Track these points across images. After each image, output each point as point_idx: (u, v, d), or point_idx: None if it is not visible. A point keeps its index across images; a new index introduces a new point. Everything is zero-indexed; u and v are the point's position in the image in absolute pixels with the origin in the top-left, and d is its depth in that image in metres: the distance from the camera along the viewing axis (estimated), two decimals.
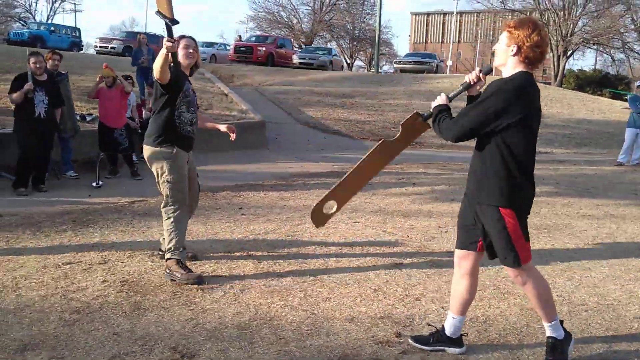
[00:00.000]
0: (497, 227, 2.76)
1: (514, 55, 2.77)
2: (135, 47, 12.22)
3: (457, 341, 3.07)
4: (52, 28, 29.97)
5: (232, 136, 4.56)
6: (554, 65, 29.66)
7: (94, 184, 7.56)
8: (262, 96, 16.70)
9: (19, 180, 7.03)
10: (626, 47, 34.34)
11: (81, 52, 31.12)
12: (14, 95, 7.00)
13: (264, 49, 26.81)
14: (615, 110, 19.63)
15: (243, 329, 3.28)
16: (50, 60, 7.68)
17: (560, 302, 3.78)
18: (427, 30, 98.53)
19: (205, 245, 4.94)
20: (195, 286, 3.92)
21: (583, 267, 4.58)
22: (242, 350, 3.02)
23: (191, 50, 4.21)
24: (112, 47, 27.13)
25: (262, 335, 3.21)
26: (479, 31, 76.10)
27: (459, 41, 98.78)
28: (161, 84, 3.99)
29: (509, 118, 2.68)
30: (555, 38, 28.35)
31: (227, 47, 31.69)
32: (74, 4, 57.08)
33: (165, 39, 3.75)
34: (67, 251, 4.63)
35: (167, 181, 4.13)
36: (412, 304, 3.73)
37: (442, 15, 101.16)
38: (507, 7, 31.76)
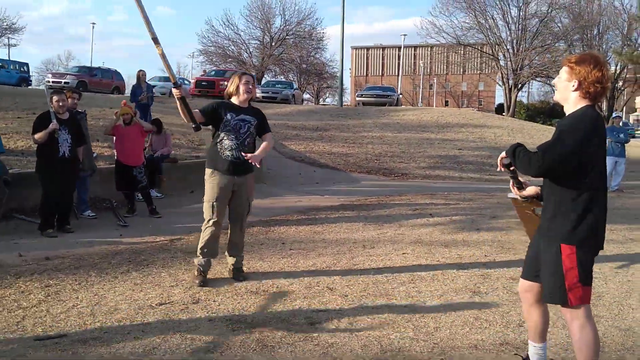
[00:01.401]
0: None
1: (575, 90, 2.83)
2: (135, 83, 12.10)
3: None
4: (0, 64, 29.11)
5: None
6: (506, 97, 31.22)
7: (121, 223, 7.45)
8: None
9: (45, 222, 6.87)
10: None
11: (29, 87, 30.29)
12: (38, 135, 6.88)
13: (226, 83, 26.88)
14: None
15: (386, 352, 3.39)
16: (70, 99, 7.58)
17: None
18: (367, 64, 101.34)
19: (280, 279, 4.99)
20: (304, 321, 3.99)
21: None
22: None
23: (250, 86, 4.89)
24: (65, 82, 26.53)
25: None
26: (429, 64, 78.69)
27: (398, 74, 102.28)
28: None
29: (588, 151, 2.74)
30: (506, 72, 29.85)
31: (187, 82, 31.62)
32: (10, 38, 55.08)
33: (173, 90, 4.50)
34: (149, 292, 4.60)
35: (204, 199, 4.91)
36: (518, 330, 3.93)
37: (381, 50, 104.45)
38: (460, 42, 33.28)
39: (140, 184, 7.99)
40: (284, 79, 41.16)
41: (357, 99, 28.01)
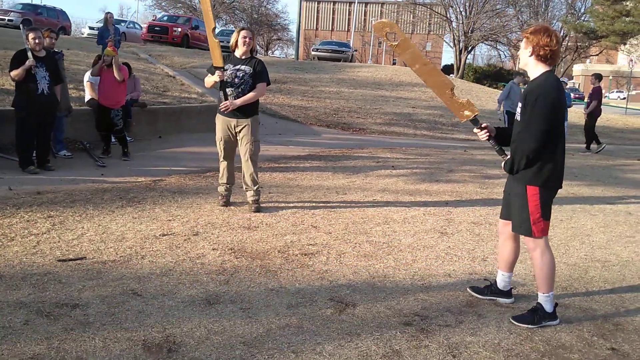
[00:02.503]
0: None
1: (530, 55, 3.42)
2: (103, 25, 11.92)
3: (507, 293, 3.78)
4: None
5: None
6: (456, 59, 32.09)
7: (99, 163, 7.66)
8: (197, 79, 16.76)
9: (25, 159, 7.00)
10: (511, 44, 37.79)
11: None
12: (15, 72, 6.92)
13: (179, 29, 26.45)
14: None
15: (374, 277, 3.95)
16: (47, 38, 7.60)
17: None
18: (317, 18, 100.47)
19: (266, 217, 5.45)
20: (297, 252, 4.49)
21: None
22: (387, 293, 3.69)
23: (248, 39, 5.51)
24: (9, 20, 25.41)
25: (386, 284, 3.90)
26: (372, 21, 78.65)
27: (348, 30, 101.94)
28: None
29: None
30: (457, 34, 30.62)
31: (137, 26, 30.81)
32: None
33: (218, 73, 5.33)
34: (149, 224, 4.98)
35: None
36: (483, 263, 4.56)
37: (332, 4, 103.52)
38: (415, 2, 33.74)
39: (116, 126, 8.16)
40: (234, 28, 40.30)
41: (313, 53, 28.19)
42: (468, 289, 3.90)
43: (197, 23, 29.26)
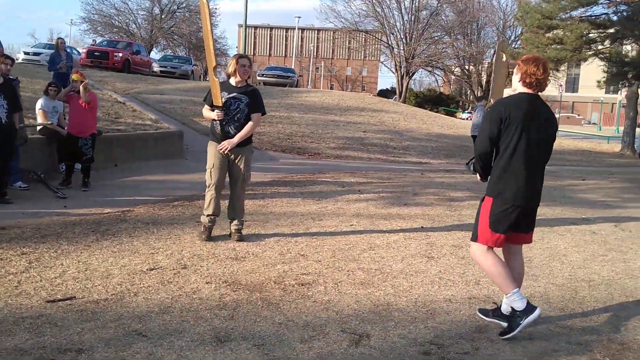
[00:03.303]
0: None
1: (518, 81, 3.66)
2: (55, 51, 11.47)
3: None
4: None
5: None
6: (398, 84, 32.86)
7: (59, 195, 7.29)
8: (147, 106, 16.39)
9: None
10: (448, 70, 39.13)
11: None
12: None
13: (120, 54, 25.86)
14: (459, 125, 22.49)
15: (378, 306, 3.89)
16: (2, 65, 7.23)
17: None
18: (254, 43, 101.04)
19: (251, 246, 5.31)
20: (294, 282, 4.38)
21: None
22: (396, 322, 3.64)
23: (247, 68, 5.44)
24: None
25: (391, 313, 3.85)
26: (316, 48, 79.88)
27: (286, 55, 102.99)
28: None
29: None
30: (399, 60, 31.40)
31: (75, 51, 29.87)
32: None
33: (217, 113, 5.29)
34: (132, 258, 4.74)
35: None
36: (477, 286, 4.59)
37: (269, 30, 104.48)
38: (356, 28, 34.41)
39: (85, 155, 7.82)
40: (183, 54, 39.98)
41: (259, 78, 28.19)
42: (477, 311, 3.90)
43: (139, 48, 28.76)
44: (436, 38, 34.73)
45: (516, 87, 3.71)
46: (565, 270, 5.20)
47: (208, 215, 5.51)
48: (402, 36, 33.15)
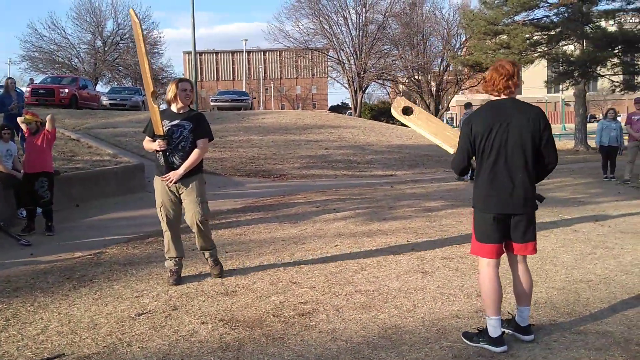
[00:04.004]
0: None
1: (485, 89, 3.70)
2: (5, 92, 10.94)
3: (524, 329, 3.63)
4: None
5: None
6: (352, 99, 33.01)
7: (23, 242, 6.87)
8: (101, 141, 15.89)
9: None
10: (398, 82, 39.64)
11: None
12: None
13: (67, 90, 25.11)
14: (417, 135, 22.59)
15: (386, 330, 3.71)
16: None
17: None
18: (201, 69, 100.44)
19: (239, 279, 5.07)
20: (293, 314, 4.16)
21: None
22: (409, 345, 3.47)
23: (188, 93, 4.96)
24: None
25: (402, 336, 3.68)
26: (263, 69, 79.95)
27: (233, 79, 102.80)
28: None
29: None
30: (351, 75, 31.58)
31: (17, 89, 28.83)
32: None
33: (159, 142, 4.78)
34: (116, 304, 4.44)
35: None
36: (480, 299, 4.44)
37: (214, 55, 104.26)
38: (309, 47, 34.52)
39: (42, 198, 7.41)
40: (131, 85, 39.26)
41: (212, 103, 27.81)
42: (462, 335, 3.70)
43: (85, 82, 28.04)
44: (385, 51, 35.20)
45: (490, 93, 3.68)
46: (560, 273, 5.15)
47: (171, 258, 5.05)
48: (353, 51, 33.44)
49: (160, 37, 52.88)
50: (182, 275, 5.13)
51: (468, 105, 13.26)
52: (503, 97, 3.59)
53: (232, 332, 3.85)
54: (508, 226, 3.54)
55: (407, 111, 4.26)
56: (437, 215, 8.19)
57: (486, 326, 3.54)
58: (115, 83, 52.11)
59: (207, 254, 5.17)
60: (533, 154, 3.51)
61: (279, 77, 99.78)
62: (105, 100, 26.05)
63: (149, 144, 4.94)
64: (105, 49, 50.51)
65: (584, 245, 6.16)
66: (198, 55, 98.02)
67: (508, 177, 3.47)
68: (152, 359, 3.44)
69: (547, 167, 3.61)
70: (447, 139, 4.12)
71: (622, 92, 23.17)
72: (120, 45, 50.99)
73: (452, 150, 4.00)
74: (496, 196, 3.48)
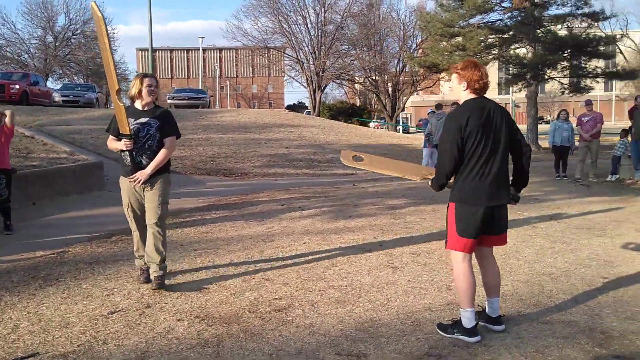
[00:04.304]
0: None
1: (465, 89, 3.70)
2: None
3: (495, 320, 3.79)
4: None
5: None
6: (311, 98, 33.08)
7: None
8: (56, 138, 15.46)
9: None
10: (356, 81, 39.98)
11: None
12: None
13: (17, 86, 24.29)
14: (375, 134, 22.93)
15: (363, 323, 3.78)
16: None
17: None
18: (155, 66, 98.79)
19: (210, 276, 5.05)
20: (269, 309, 4.19)
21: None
22: (386, 337, 3.56)
23: (153, 89, 4.75)
24: None
25: (378, 329, 3.76)
26: (219, 67, 79.25)
27: (188, 76, 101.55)
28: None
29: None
30: (309, 75, 31.65)
31: None
32: None
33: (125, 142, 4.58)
34: (86, 303, 4.37)
35: None
36: (450, 292, 4.59)
37: (169, 52, 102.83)
38: (267, 46, 34.39)
39: (0, 196, 7.18)
40: (83, 82, 38.25)
41: (169, 101, 27.38)
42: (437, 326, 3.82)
43: (36, 78, 27.19)
44: (344, 51, 35.46)
45: (461, 95, 3.74)
46: (523, 266, 5.33)
47: (141, 257, 4.92)
48: (311, 51, 33.54)
49: (114, 33, 51.58)
50: None
51: (439, 106, 13.53)
52: (478, 96, 3.69)
53: (209, 328, 3.85)
54: (490, 220, 3.64)
55: (357, 159, 4.41)
56: (401, 212, 8.33)
57: (460, 318, 3.65)
58: (67, 79, 50.76)
59: (152, 269, 4.71)
60: (507, 147, 3.66)
61: (234, 75, 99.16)
62: (57, 97, 25.32)
63: (114, 144, 4.74)
64: (57, 44, 49.18)
65: (543, 241, 6.39)
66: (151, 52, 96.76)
67: (494, 170, 3.59)
68: (130, 356, 3.40)
69: (527, 154, 3.74)
70: (407, 171, 4.34)
71: (571, 94, 24.01)
72: (72, 41, 49.76)
73: (417, 179, 4.14)
74: (487, 189, 3.58)
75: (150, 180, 4.71)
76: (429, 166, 12.91)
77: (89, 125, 18.01)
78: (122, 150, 4.66)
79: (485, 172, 3.58)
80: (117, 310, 4.20)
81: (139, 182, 4.65)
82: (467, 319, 3.59)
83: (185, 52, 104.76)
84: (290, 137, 19.44)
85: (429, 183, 3.83)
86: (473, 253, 3.73)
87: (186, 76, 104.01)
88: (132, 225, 4.92)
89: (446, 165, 3.61)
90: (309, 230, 7.16)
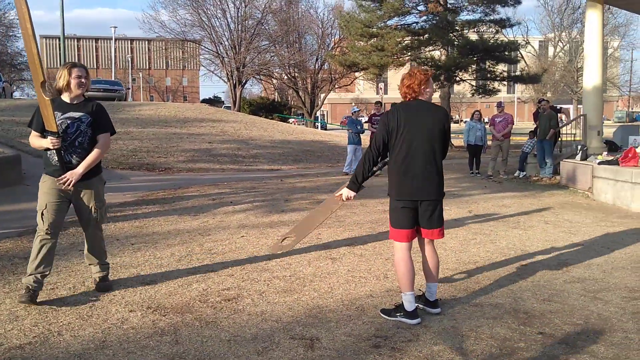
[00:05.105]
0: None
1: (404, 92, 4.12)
2: None
3: (433, 303, 4.19)
4: None
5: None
6: (231, 93, 32.84)
7: None
8: None
9: None
10: (276, 77, 40.10)
11: None
12: None
13: None
14: (297, 131, 23.24)
15: (311, 309, 4.03)
16: None
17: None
18: (59, 54, 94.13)
19: (158, 271, 5.12)
20: (219, 299, 4.34)
21: None
22: (335, 322, 3.82)
23: (83, 80, 4.26)
24: None
25: (326, 314, 4.02)
26: (131, 58, 76.72)
27: (97, 67, 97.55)
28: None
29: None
30: (230, 69, 31.43)
31: None
32: None
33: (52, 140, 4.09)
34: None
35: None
36: (387, 280, 4.92)
37: (75, 40, 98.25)
38: (183, 38, 33.75)
39: None
40: None
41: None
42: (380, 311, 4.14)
43: None
44: (264, 47, 35.52)
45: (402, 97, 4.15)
46: (450, 256, 5.77)
47: (38, 273, 4.16)
48: (232, 45, 33.33)
49: (16, 19, 48.62)
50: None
51: (379, 103, 14.07)
52: (413, 99, 4.03)
53: (163, 318, 3.95)
54: (417, 213, 3.99)
55: (287, 240, 4.99)
56: None
57: (402, 302, 3.98)
58: None
59: (96, 270, 4.57)
60: (440, 148, 4.01)
61: (147, 67, 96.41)
62: None
63: (39, 141, 4.24)
64: None
65: (465, 232, 6.90)
66: (57, 40, 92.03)
67: (418, 168, 3.92)
68: (88, 346, 3.46)
69: (444, 157, 4.11)
70: (326, 210, 4.94)
71: (481, 96, 25.43)
72: None
73: (339, 204, 4.64)
74: (408, 185, 3.92)
75: (82, 183, 4.27)
76: (353, 163, 13.40)
77: (3, 117, 17.10)
78: (48, 149, 4.21)
79: (407, 169, 3.96)
80: (65, 304, 4.21)
81: (69, 185, 4.18)
82: (408, 302, 3.91)
83: (94, 41, 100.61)
84: (213, 132, 19.34)
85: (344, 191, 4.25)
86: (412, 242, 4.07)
87: (95, 66, 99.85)
88: (45, 231, 4.20)
89: (367, 158, 4.10)
90: (244, 224, 7.31)
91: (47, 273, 4.25)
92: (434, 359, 3.34)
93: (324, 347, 3.50)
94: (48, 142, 4.12)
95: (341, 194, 4.26)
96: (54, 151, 4.16)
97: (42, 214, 4.22)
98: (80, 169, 4.20)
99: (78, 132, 4.24)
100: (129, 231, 6.83)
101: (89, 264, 4.64)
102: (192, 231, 6.83)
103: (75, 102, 4.29)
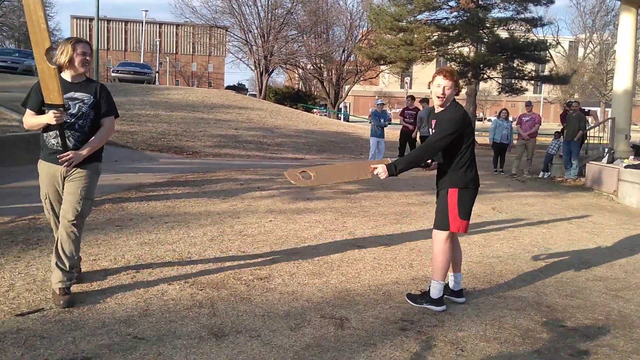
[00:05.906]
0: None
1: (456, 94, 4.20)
2: None
3: (458, 293, 4.35)
4: None
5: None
6: (258, 81, 33.10)
7: None
8: None
9: None
10: (302, 67, 40.25)
11: None
12: None
13: None
14: (321, 121, 23.38)
15: (340, 292, 4.20)
16: None
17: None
18: (90, 37, 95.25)
19: (193, 247, 5.34)
20: (252, 277, 4.54)
21: None
22: (364, 305, 3.99)
23: (88, 57, 3.92)
24: None
25: (355, 298, 4.20)
26: (159, 43, 77.33)
27: (125, 49, 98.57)
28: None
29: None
30: (257, 57, 31.68)
31: None
32: None
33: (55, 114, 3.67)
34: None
35: None
36: (412, 269, 5.08)
37: (105, 22, 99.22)
38: (213, 24, 34.04)
39: None
40: (15, 47, 36.58)
41: (113, 74, 26.77)
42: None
43: None
44: (292, 37, 35.72)
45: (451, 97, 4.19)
46: (474, 250, 5.91)
47: (65, 270, 3.82)
48: (261, 34, 33.58)
49: None
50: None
51: (425, 100, 14.10)
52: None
53: (200, 292, 4.16)
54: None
55: (305, 176, 4.37)
56: (356, 197, 8.80)
57: (429, 289, 4.14)
58: None
59: (57, 274, 3.84)
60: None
61: (174, 52, 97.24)
62: None
63: (36, 119, 3.82)
64: None
65: (489, 228, 7.02)
66: (88, 21, 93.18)
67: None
68: (133, 313, 3.68)
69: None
70: (356, 172, 4.42)
71: (507, 94, 25.31)
72: (5, 3, 47.29)
73: (369, 175, 4.23)
74: (478, 177, 4.15)
75: (76, 168, 3.91)
76: (376, 155, 13.52)
77: None
78: (48, 127, 3.83)
79: (474, 160, 4.11)
80: (107, 274, 4.44)
81: (70, 164, 3.84)
82: (438, 290, 4.07)
83: (124, 23, 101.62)
84: (239, 119, 19.58)
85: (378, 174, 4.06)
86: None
87: (124, 49, 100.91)
88: (52, 223, 4.11)
89: (425, 158, 4.08)
90: (272, 209, 7.50)
91: (77, 263, 4.08)
92: (459, 344, 3.50)
93: (354, 327, 3.68)
94: (49, 117, 3.68)
95: (377, 168, 4.10)
96: (51, 133, 3.83)
97: (45, 203, 4.04)
98: (84, 150, 3.87)
99: (80, 114, 3.86)
100: (162, 210, 7.06)
101: (52, 266, 3.90)
102: (222, 213, 7.04)
103: (77, 81, 3.93)
